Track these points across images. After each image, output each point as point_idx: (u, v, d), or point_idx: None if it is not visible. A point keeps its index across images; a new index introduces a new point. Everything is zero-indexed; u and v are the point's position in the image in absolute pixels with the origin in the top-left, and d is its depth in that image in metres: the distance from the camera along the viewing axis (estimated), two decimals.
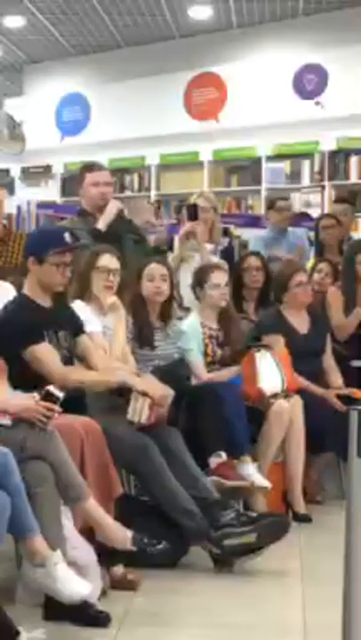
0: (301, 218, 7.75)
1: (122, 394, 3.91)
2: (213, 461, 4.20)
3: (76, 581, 3.13)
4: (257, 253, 5.70)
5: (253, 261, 5.55)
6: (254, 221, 6.88)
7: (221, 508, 3.86)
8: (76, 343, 3.89)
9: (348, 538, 2.31)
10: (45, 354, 3.69)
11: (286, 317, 5.16)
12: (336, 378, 5.17)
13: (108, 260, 4.29)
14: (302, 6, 9.71)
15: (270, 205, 6.75)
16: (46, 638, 3.00)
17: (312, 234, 6.71)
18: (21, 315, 3.75)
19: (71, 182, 10.77)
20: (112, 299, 4.27)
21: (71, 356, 3.86)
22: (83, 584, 3.15)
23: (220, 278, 4.89)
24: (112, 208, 4.99)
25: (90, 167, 5.22)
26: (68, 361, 3.81)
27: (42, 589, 3.17)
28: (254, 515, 3.98)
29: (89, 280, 4.25)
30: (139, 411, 3.85)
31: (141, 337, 4.44)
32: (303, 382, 4.96)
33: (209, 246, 5.55)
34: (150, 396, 3.86)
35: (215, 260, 5.46)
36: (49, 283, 3.80)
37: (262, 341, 5.01)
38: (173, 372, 4.30)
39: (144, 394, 3.85)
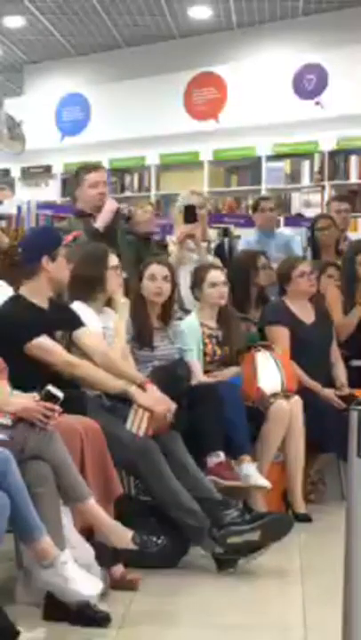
0: (300, 218, 7.76)
1: (124, 400, 3.92)
2: (211, 461, 4.19)
3: (87, 580, 3.15)
4: (263, 253, 5.70)
5: (265, 260, 5.55)
6: (254, 221, 6.87)
7: (224, 508, 3.86)
8: (74, 337, 3.91)
9: (348, 538, 2.31)
10: (50, 343, 3.77)
11: (290, 308, 5.16)
12: (341, 373, 5.17)
13: (115, 259, 4.33)
14: (302, 6, 9.72)
15: (254, 207, 6.77)
16: (46, 638, 3.00)
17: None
18: (19, 313, 3.78)
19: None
20: (125, 300, 4.33)
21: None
22: (93, 582, 3.17)
23: (217, 277, 4.90)
24: (110, 207, 4.97)
25: (87, 168, 5.15)
26: None
27: (50, 590, 3.17)
28: (257, 513, 3.99)
29: (104, 280, 4.25)
30: (137, 423, 3.86)
31: (141, 337, 4.44)
32: (303, 377, 4.96)
33: (203, 245, 5.54)
34: (150, 411, 3.87)
35: (211, 259, 5.48)
36: (62, 276, 3.97)
37: (267, 332, 5.05)
38: (173, 373, 4.30)
39: (145, 408, 3.86)
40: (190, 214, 5.31)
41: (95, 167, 5.20)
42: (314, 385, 5.00)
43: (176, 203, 5.67)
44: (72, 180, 5.35)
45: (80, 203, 5.15)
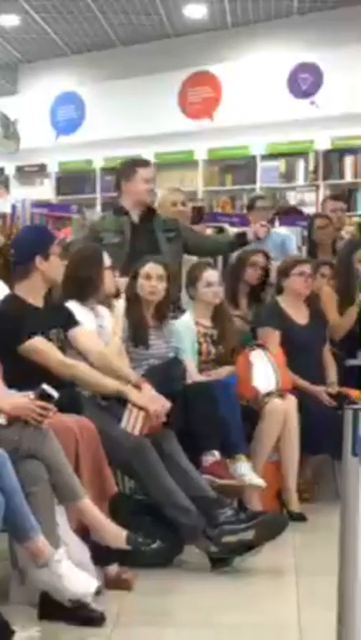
0: (295, 216, 7.75)
1: (119, 399, 3.92)
2: (206, 460, 4.19)
3: (82, 578, 3.16)
4: (264, 252, 5.69)
5: (261, 259, 5.55)
6: (248, 220, 6.87)
7: (219, 506, 3.87)
8: (68, 337, 3.91)
9: (342, 537, 2.32)
10: (44, 344, 3.75)
11: (284, 309, 5.16)
12: (332, 372, 5.18)
13: (108, 259, 4.34)
14: (297, 5, 9.72)
15: (250, 206, 6.76)
16: (41, 637, 3.00)
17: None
18: (14, 312, 3.77)
19: (66, 181, 10.82)
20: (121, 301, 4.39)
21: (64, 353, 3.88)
22: (89, 580, 3.17)
23: (212, 276, 4.90)
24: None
25: (142, 163, 5.16)
26: None
27: (45, 589, 3.17)
28: (252, 512, 3.99)
29: (101, 281, 4.27)
30: (132, 422, 3.86)
31: (136, 336, 4.44)
32: (294, 377, 4.96)
33: None
34: (145, 410, 3.87)
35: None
36: (56, 275, 3.97)
37: (258, 333, 5.05)
38: (168, 372, 4.30)
39: (139, 407, 3.86)
40: (197, 215, 5.29)
41: (149, 162, 5.20)
42: (303, 383, 5.00)
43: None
44: (120, 173, 5.19)
45: (125, 196, 5.09)
